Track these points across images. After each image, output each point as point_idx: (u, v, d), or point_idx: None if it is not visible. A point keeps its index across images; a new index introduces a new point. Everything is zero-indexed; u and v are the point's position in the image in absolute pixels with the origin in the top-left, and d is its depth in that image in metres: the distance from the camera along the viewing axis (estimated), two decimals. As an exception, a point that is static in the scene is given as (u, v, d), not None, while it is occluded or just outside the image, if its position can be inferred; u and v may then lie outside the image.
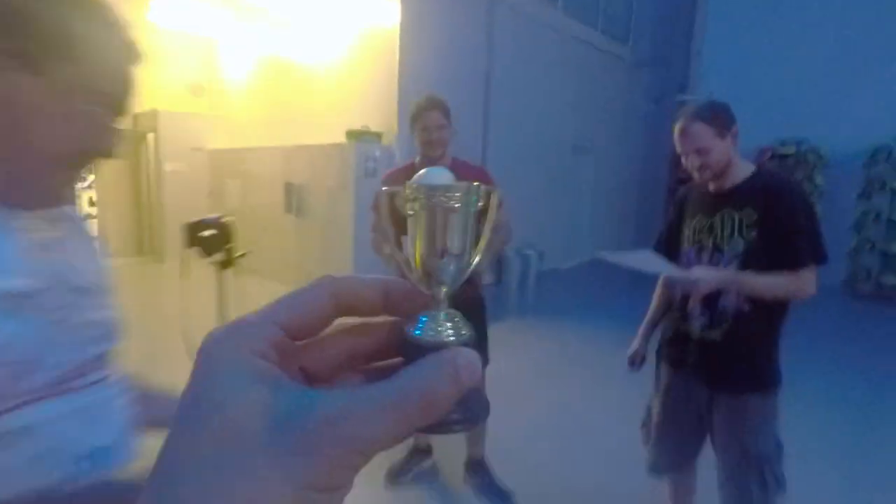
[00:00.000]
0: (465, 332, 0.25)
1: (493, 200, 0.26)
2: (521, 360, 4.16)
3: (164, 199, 7.24)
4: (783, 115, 7.60)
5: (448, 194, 0.25)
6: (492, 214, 0.27)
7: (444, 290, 0.26)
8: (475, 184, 0.25)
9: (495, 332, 4.87)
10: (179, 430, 0.19)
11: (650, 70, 9.05)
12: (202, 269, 2.03)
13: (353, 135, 5.24)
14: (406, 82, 5.30)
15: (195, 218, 1.74)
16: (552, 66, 7.37)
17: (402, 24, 5.22)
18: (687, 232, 1.69)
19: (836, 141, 7.08)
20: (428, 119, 2.02)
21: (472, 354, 0.21)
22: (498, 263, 6.86)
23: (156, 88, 7.65)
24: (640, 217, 9.31)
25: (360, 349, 0.25)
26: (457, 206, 0.25)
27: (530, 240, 7.20)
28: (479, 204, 0.26)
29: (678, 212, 1.80)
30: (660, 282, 1.92)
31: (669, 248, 1.78)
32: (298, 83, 6.40)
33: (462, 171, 2.04)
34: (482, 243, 0.27)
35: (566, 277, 7.68)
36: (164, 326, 5.03)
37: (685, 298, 1.66)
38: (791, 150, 7.26)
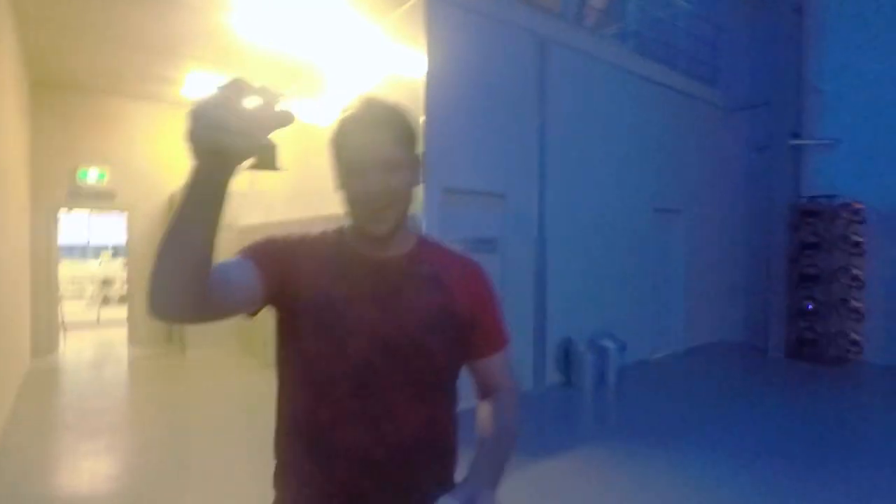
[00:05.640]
0: None
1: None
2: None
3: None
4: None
5: None
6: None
7: None
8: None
9: (560, 468, 3.31)
10: None
11: (748, 114, 7.50)
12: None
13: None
14: (435, 140, 4.28)
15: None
16: (623, 114, 6.11)
17: (428, 75, 4.26)
18: None
19: None
20: (362, 149, 0.89)
21: None
22: (566, 358, 5.34)
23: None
24: (751, 293, 7.39)
25: None
26: None
27: (607, 327, 5.65)
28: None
29: None
30: None
31: None
32: (323, 150, 5.64)
33: (435, 257, 1.02)
34: None
35: (656, 374, 5.94)
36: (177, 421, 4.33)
37: None
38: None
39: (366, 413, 0.88)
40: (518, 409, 1.04)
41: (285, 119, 0.65)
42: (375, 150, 0.88)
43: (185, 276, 0.70)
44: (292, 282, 0.90)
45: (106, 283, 11.57)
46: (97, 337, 8.20)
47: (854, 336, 6.29)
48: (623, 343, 5.49)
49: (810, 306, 6.34)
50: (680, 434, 4.02)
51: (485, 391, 1.03)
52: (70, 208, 7.40)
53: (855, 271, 6.26)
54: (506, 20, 4.92)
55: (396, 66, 4.66)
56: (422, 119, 4.24)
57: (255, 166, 0.67)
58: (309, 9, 4.50)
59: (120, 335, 7.72)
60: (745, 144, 7.53)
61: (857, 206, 6.24)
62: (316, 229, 1.02)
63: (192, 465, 3.46)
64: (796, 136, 6.77)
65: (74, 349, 7.14)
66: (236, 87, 0.61)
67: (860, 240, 6.23)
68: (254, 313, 0.91)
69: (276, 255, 0.91)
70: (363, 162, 0.88)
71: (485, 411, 1.01)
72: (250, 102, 0.62)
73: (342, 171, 0.91)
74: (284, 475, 0.96)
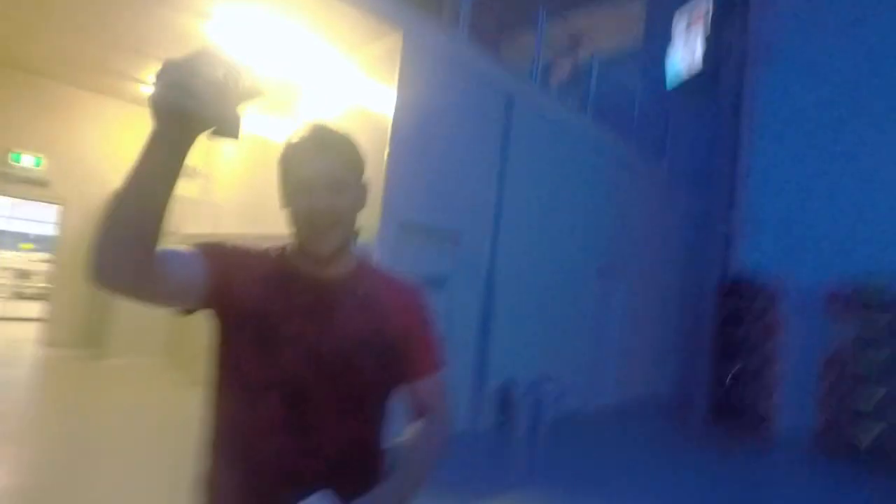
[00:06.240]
0: None
1: None
2: None
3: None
4: (864, 247, 6.37)
5: None
6: None
7: None
8: None
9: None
10: None
11: (687, 191, 8.12)
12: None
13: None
14: (395, 175, 4.37)
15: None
16: (578, 173, 6.47)
17: (396, 113, 4.39)
18: None
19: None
20: (310, 169, 0.94)
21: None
22: (503, 401, 5.41)
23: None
24: (680, 356, 7.81)
25: None
26: None
27: (546, 374, 5.78)
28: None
29: None
30: None
31: None
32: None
33: (374, 280, 1.05)
34: None
35: (589, 425, 6.09)
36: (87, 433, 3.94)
37: None
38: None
39: (293, 424, 0.91)
40: (444, 437, 1.05)
41: (252, 92, 0.67)
42: (322, 170, 0.92)
43: (133, 239, 0.71)
44: (233, 288, 0.91)
45: (22, 275, 10.69)
46: (4, 333, 7.52)
47: (767, 407, 6.73)
48: (561, 391, 5.62)
49: (731, 378, 6.78)
50: (601, 489, 4.13)
51: (417, 414, 1.04)
52: (-4, 192, 6.89)
53: (770, 347, 6.77)
54: (477, 71, 5.17)
55: (365, 97, 4.76)
56: (386, 153, 4.33)
57: (216, 133, 0.68)
58: (285, 31, 4.56)
59: (32, 334, 7.12)
60: (683, 218, 8.11)
61: (775, 287, 6.81)
62: (261, 245, 1.03)
63: (89, 486, 3.20)
64: (726, 220, 7.36)
65: (-26, 345, 6.51)
66: (206, 56, 0.64)
67: (776, 319, 6.77)
68: (189, 310, 0.92)
69: (223, 258, 0.94)
70: (310, 181, 0.92)
71: (409, 433, 1.02)
72: (219, 72, 0.64)
73: (289, 189, 0.95)
74: (208, 481, 0.96)
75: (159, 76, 0.63)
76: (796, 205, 7.01)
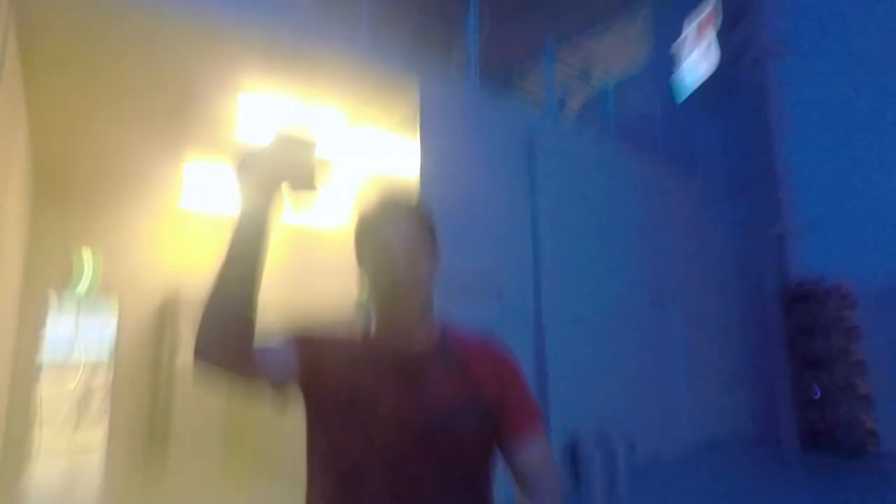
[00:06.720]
0: None
1: None
2: None
3: (175, 399, 6.28)
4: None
5: None
6: None
7: None
8: None
9: None
10: None
11: (729, 204, 7.84)
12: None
13: (362, 307, 4.22)
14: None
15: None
16: (611, 205, 6.34)
17: (421, 169, 4.46)
18: None
19: None
20: (388, 236, 0.94)
21: None
22: (572, 459, 5.01)
23: (186, 275, 7.22)
24: (755, 381, 7.20)
25: None
26: None
27: (612, 422, 5.38)
28: None
29: None
30: None
31: None
32: (313, 250, 5.69)
33: (461, 345, 1.02)
34: None
35: (670, 476, 5.54)
36: None
37: None
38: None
39: (396, 503, 0.88)
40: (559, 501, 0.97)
41: (311, 142, 0.82)
42: (400, 240, 0.92)
43: (233, 319, 0.78)
44: (324, 372, 0.93)
45: (83, 401, 10.91)
46: (67, 464, 7.54)
47: (868, 424, 6.01)
48: (632, 441, 5.19)
49: (818, 392, 6.14)
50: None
51: (522, 484, 0.96)
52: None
53: (856, 356, 6.14)
54: (494, 112, 5.27)
55: (389, 163, 4.85)
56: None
57: (293, 187, 0.78)
58: (303, 109, 4.63)
59: (92, 462, 7.04)
60: (728, 234, 7.78)
61: (846, 288, 6.30)
62: (344, 325, 1.04)
63: None
64: (775, 224, 7.02)
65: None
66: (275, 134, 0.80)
67: (855, 323, 6.21)
68: (279, 386, 0.92)
69: (312, 343, 0.96)
70: (388, 252, 0.92)
71: None
72: (286, 131, 0.79)
73: (367, 262, 0.95)
74: None
75: (237, 158, 0.80)
76: (843, 198, 6.63)
